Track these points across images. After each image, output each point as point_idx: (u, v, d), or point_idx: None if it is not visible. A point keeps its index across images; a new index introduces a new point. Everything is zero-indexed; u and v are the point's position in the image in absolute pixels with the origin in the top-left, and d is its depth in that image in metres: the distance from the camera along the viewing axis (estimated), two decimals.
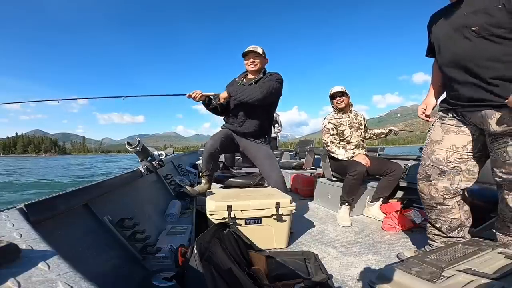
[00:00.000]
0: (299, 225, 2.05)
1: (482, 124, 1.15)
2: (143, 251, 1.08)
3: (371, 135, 2.57)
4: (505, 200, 1.14)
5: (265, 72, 2.05)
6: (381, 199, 2.30)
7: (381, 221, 2.11)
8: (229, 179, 2.69)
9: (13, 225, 0.54)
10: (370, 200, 2.36)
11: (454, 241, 1.30)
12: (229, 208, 1.52)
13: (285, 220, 1.60)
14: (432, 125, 1.38)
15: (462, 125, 1.26)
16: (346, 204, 2.22)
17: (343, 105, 2.38)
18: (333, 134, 2.38)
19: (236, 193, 1.81)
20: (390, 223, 1.98)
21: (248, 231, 1.42)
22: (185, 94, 2.05)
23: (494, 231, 1.25)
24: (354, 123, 2.42)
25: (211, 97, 2.08)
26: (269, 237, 1.60)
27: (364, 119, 2.51)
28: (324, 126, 2.43)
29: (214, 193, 1.80)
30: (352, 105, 2.48)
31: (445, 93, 1.35)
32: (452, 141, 1.28)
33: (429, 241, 1.43)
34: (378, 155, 3.24)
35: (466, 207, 1.33)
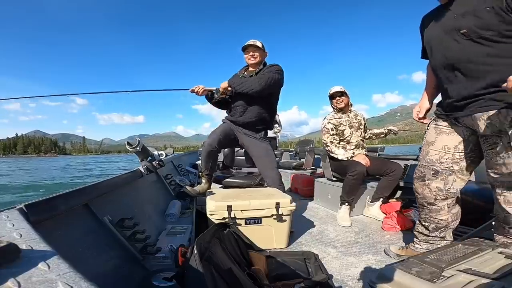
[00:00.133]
0: (299, 225, 2.05)
1: (473, 126, 1.16)
2: (143, 251, 1.08)
3: (371, 135, 2.57)
4: (498, 201, 1.15)
5: (265, 64, 2.07)
6: (381, 199, 2.30)
7: (381, 221, 2.11)
8: (229, 179, 2.70)
9: (13, 225, 0.54)
10: (370, 200, 2.36)
11: (433, 241, 1.37)
12: (229, 208, 1.52)
13: (285, 220, 1.60)
14: (427, 126, 1.41)
15: (454, 126, 1.28)
16: (346, 204, 2.22)
17: (342, 105, 2.38)
18: (333, 134, 2.38)
19: (236, 193, 1.81)
20: (390, 223, 1.98)
21: (248, 231, 1.42)
22: (188, 89, 2.11)
23: (493, 230, 1.26)
24: (354, 123, 2.42)
25: (213, 91, 2.13)
26: (269, 237, 1.61)
27: (363, 118, 2.51)
28: (324, 126, 2.43)
29: (214, 193, 1.80)
30: (351, 104, 2.48)
31: (440, 95, 1.37)
32: (444, 142, 1.31)
33: (414, 238, 1.47)
34: (378, 155, 3.24)
35: (455, 210, 1.35)
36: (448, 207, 1.33)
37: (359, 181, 2.17)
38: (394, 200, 2.43)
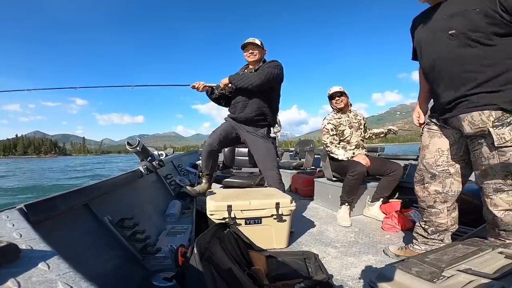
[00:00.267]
0: (299, 225, 2.05)
1: (460, 127, 1.17)
2: (143, 251, 1.08)
3: (371, 135, 2.57)
4: (485, 203, 1.15)
5: (265, 61, 2.09)
6: (381, 199, 2.30)
7: (381, 221, 2.11)
8: (229, 179, 2.70)
9: (13, 225, 0.54)
10: (370, 200, 2.36)
11: (432, 243, 1.37)
12: (229, 208, 1.52)
13: (285, 220, 1.60)
14: (422, 130, 1.42)
15: (445, 129, 1.30)
16: (346, 204, 2.22)
17: (342, 105, 2.38)
18: (333, 135, 2.38)
19: (236, 193, 1.81)
20: (390, 223, 1.98)
21: (248, 231, 1.42)
22: (189, 85, 2.16)
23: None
24: (353, 123, 2.42)
25: (214, 87, 2.16)
26: (269, 237, 1.61)
27: (363, 118, 2.51)
28: (324, 127, 2.42)
29: (214, 193, 1.80)
30: (351, 104, 2.48)
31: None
32: (437, 145, 1.32)
33: (413, 239, 1.48)
34: (378, 155, 3.24)
35: (455, 214, 1.35)
36: (447, 210, 1.33)
37: (359, 181, 2.17)
38: (394, 200, 2.43)
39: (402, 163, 2.46)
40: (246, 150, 3.45)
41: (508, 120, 1.01)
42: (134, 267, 1.01)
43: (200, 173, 2.23)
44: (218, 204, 1.53)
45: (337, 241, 1.77)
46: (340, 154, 2.32)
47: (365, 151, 2.47)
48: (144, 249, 1.09)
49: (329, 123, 2.39)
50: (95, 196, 1.00)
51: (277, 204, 1.56)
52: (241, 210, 1.54)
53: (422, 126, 1.43)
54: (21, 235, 0.49)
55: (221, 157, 3.12)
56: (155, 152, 1.78)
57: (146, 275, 0.92)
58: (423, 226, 1.41)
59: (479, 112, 1.06)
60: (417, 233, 1.45)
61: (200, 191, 2.07)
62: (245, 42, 2.05)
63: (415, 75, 1.50)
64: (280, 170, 2.12)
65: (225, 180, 2.70)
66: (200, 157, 2.19)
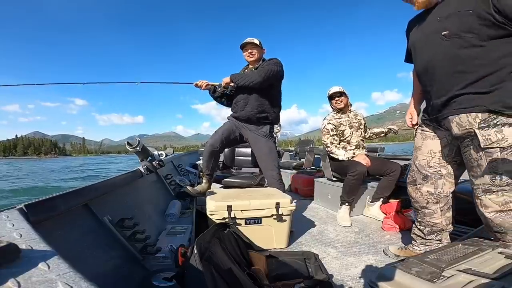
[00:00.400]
0: (299, 225, 2.05)
1: (450, 128, 1.18)
2: (143, 251, 1.08)
3: (371, 134, 2.57)
4: (476, 204, 1.15)
5: (264, 60, 2.10)
6: (381, 199, 2.30)
7: (381, 221, 2.11)
8: (229, 179, 2.70)
9: (13, 225, 0.54)
10: (370, 200, 2.36)
11: (430, 244, 1.38)
12: (229, 208, 1.52)
13: (285, 220, 1.60)
14: (415, 132, 1.43)
15: (437, 131, 1.31)
16: (346, 204, 2.22)
17: (342, 105, 2.38)
18: (333, 135, 2.38)
19: (236, 193, 1.81)
20: (390, 223, 1.98)
21: (248, 231, 1.42)
22: (192, 83, 2.22)
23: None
24: (354, 123, 2.42)
25: (216, 86, 2.20)
26: (269, 237, 1.60)
27: (363, 118, 2.51)
28: (324, 127, 2.42)
29: (214, 193, 1.80)
30: (351, 104, 2.48)
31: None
32: (429, 147, 1.33)
33: (412, 240, 1.49)
34: (378, 155, 3.24)
35: (449, 214, 1.36)
36: (441, 211, 1.34)
37: (360, 181, 2.17)
38: (394, 200, 2.43)
39: (402, 163, 2.46)
40: (246, 150, 3.45)
41: (494, 122, 1.02)
42: (134, 267, 1.01)
43: (201, 173, 2.24)
44: (218, 204, 1.53)
45: (337, 241, 1.77)
46: (341, 154, 2.32)
47: (365, 151, 2.47)
48: (144, 249, 1.09)
49: (329, 123, 2.39)
50: (95, 196, 1.00)
51: (277, 204, 1.56)
52: (241, 210, 1.54)
53: (416, 127, 1.44)
54: (21, 235, 0.49)
55: (221, 157, 3.12)
56: (155, 152, 1.78)
57: (146, 275, 0.92)
58: (419, 227, 1.42)
59: (467, 114, 1.08)
60: (415, 234, 1.46)
61: (200, 191, 2.07)
62: (244, 42, 2.07)
63: None
64: (280, 170, 2.12)
65: (225, 180, 2.70)
66: (200, 157, 2.20)
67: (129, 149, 1.58)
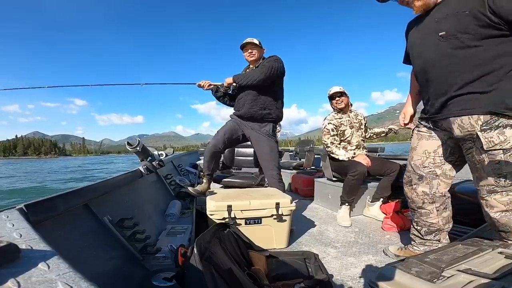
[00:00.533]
0: (299, 225, 2.05)
1: (450, 129, 1.19)
2: (143, 251, 1.08)
3: (372, 134, 2.57)
4: (482, 205, 1.16)
5: (264, 59, 2.11)
6: (381, 199, 2.30)
7: (381, 221, 2.11)
8: (229, 179, 2.70)
9: (13, 225, 0.54)
10: (370, 200, 2.35)
11: (430, 244, 1.38)
12: (229, 208, 1.52)
13: (285, 220, 1.60)
14: (411, 132, 1.44)
15: (433, 131, 1.31)
16: (346, 204, 2.22)
17: (342, 105, 2.38)
18: (334, 135, 2.38)
19: (236, 193, 1.81)
20: (390, 223, 1.98)
21: (248, 231, 1.42)
22: (195, 83, 2.25)
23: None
24: (354, 123, 2.41)
25: (219, 86, 2.23)
26: (269, 237, 1.60)
27: (364, 118, 2.51)
28: (324, 127, 2.42)
29: (214, 193, 1.80)
30: (351, 104, 2.48)
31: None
32: (424, 147, 1.34)
33: (411, 240, 1.49)
34: (378, 155, 3.24)
35: (446, 213, 1.36)
36: (437, 210, 1.34)
37: (360, 181, 2.17)
38: (394, 200, 2.43)
39: (402, 163, 2.46)
40: (245, 150, 3.45)
41: (496, 124, 1.02)
42: (134, 267, 1.01)
43: (201, 173, 2.24)
44: (218, 204, 1.53)
45: (337, 241, 1.77)
46: (341, 154, 2.32)
47: (366, 151, 2.47)
48: (144, 249, 1.09)
49: (330, 123, 2.39)
50: (95, 196, 1.00)
51: (277, 204, 1.56)
52: (241, 210, 1.54)
53: (413, 128, 1.45)
54: (21, 235, 0.49)
55: (220, 157, 3.12)
56: (155, 152, 1.78)
57: (146, 275, 0.92)
58: (416, 227, 1.43)
59: (468, 116, 1.08)
60: (413, 234, 1.46)
61: (201, 191, 2.08)
62: (244, 42, 2.09)
63: None
64: (280, 170, 2.12)
65: (225, 180, 2.70)
66: (200, 157, 2.20)
67: (129, 149, 1.58)
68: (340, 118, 2.41)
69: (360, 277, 1.29)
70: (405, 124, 1.51)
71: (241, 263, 1.15)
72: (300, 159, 4.76)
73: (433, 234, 1.37)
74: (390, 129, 2.62)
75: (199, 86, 2.22)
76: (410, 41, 1.34)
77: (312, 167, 3.89)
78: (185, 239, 1.32)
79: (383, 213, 2.23)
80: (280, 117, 2.14)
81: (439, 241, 1.37)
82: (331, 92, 2.42)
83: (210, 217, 1.53)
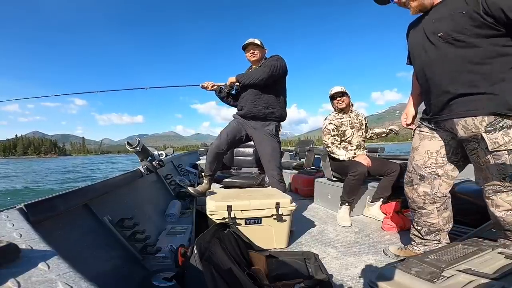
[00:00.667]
0: (299, 225, 2.05)
1: (454, 130, 1.19)
2: (143, 251, 1.08)
3: (372, 135, 2.57)
4: (487, 204, 1.16)
5: (266, 59, 2.13)
6: (381, 199, 2.29)
7: (381, 221, 2.11)
8: (229, 179, 2.70)
9: (13, 225, 0.54)
10: (370, 200, 2.35)
11: (430, 244, 1.38)
12: (229, 208, 1.52)
13: (285, 220, 1.60)
14: (413, 133, 1.44)
15: (435, 131, 1.31)
16: (346, 204, 2.22)
17: (343, 105, 2.38)
18: (334, 135, 2.38)
19: (236, 193, 1.81)
20: (390, 223, 1.98)
21: (248, 231, 1.42)
22: (199, 85, 2.26)
23: (494, 230, 1.27)
24: (355, 123, 2.41)
25: (222, 86, 2.24)
26: (269, 237, 1.60)
27: (364, 118, 2.51)
28: (325, 127, 2.42)
29: (214, 193, 1.80)
30: (352, 105, 2.48)
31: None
32: (426, 147, 1.34)
33: (411, 241, 1.49)
34: (378, 155, 3.24)
35: (446, 214, 1.36)
36: (438, 211, 1.34)
37: (360, 181, 2.17)
38: (394, 200, 2.43)
39: (402, 163, 2.46)
40: (245, 150, 3.45)
41: (501, 125, 1.02)
42: (134, 267, 1.01)
43: (202, 173, 2.24)
44: (218, 204, 1.53)
45: (337, 241, 1.77)
46: (341, 154, 2.31)
47: (366, 151, 2.47)
48: (144, 249, 1.09)
49: (331, 123, 2.39)
50: (95, 196, 1.00)
51: (277, 204, 1.56)
52: (241, 210, 1.54)
53: (414, 128, 1.45)
54: (21, 235, 0.49)
55: None
56: (155, 152, 1.78)
57: (146, 275, 0.92)
58: (416, 227, 1.43)
59: (472, 117, 1.08)
60: (413, 234, 1.46)
61: (201, 191, 2.08)
62: (246, 43, 2.09)
63: None
64: (281, 170, 2.12)
65: (225, 180, 2.70)
66: (200, 157, 2.20)
67: (129, 149, 1.58)
68: (341, 118, 2.41)
69: (360, 277, 1.29)
70: (407, 125, 1.51)
71: (241, 263, 1.15)
72: (300, 159, 4.76)
73: (433, 234, 1.37)
74: (391, 129, 2.62)
75: (203, 87, 2.23)
76: (410, 42, 1.34)
77: (312, 167, 3.89)
78: (185, 239, 1.32)
79: (383, 213, 2.23)
80: (283, 116, 2.13)
81: (439, 241, 1.37)
82: (332, 92, 2.42)
83: (210, 217, 1.53)
